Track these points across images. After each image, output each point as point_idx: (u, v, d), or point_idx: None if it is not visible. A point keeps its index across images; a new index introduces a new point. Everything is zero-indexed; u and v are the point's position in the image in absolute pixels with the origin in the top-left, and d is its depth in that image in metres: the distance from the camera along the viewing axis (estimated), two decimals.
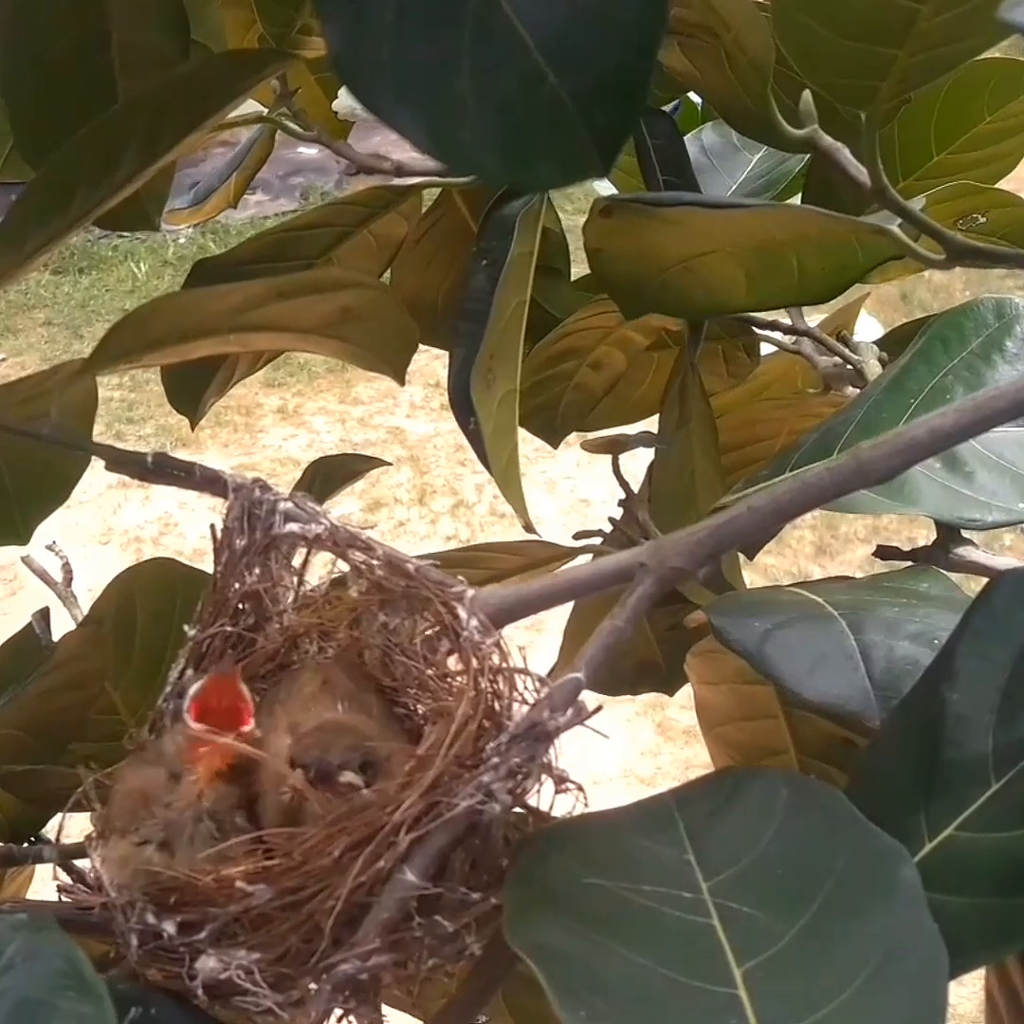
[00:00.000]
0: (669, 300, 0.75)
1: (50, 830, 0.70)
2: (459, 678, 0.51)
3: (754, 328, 0.97)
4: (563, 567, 0.78)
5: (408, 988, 0.48)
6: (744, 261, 0.70)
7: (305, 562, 0.56)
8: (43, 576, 0.88)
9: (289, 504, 0.54)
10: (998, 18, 0.39)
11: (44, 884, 0.56)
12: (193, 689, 0.51)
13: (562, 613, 0.61)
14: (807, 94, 0.66)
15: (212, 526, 0.56)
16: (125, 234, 5.50)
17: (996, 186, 0.89)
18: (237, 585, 0.55)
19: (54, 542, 0.90)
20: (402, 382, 0.68)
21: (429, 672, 0.53)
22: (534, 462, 3.93)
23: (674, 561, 0.50)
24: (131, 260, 5.54)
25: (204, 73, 0.59)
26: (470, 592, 0.52)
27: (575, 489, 4.09)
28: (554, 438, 1.03)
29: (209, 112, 0.56)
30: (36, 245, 0.56)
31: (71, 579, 0.88)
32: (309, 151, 5.74)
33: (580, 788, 0.49)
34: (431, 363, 4.10)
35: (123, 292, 5.35)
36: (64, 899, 0.51)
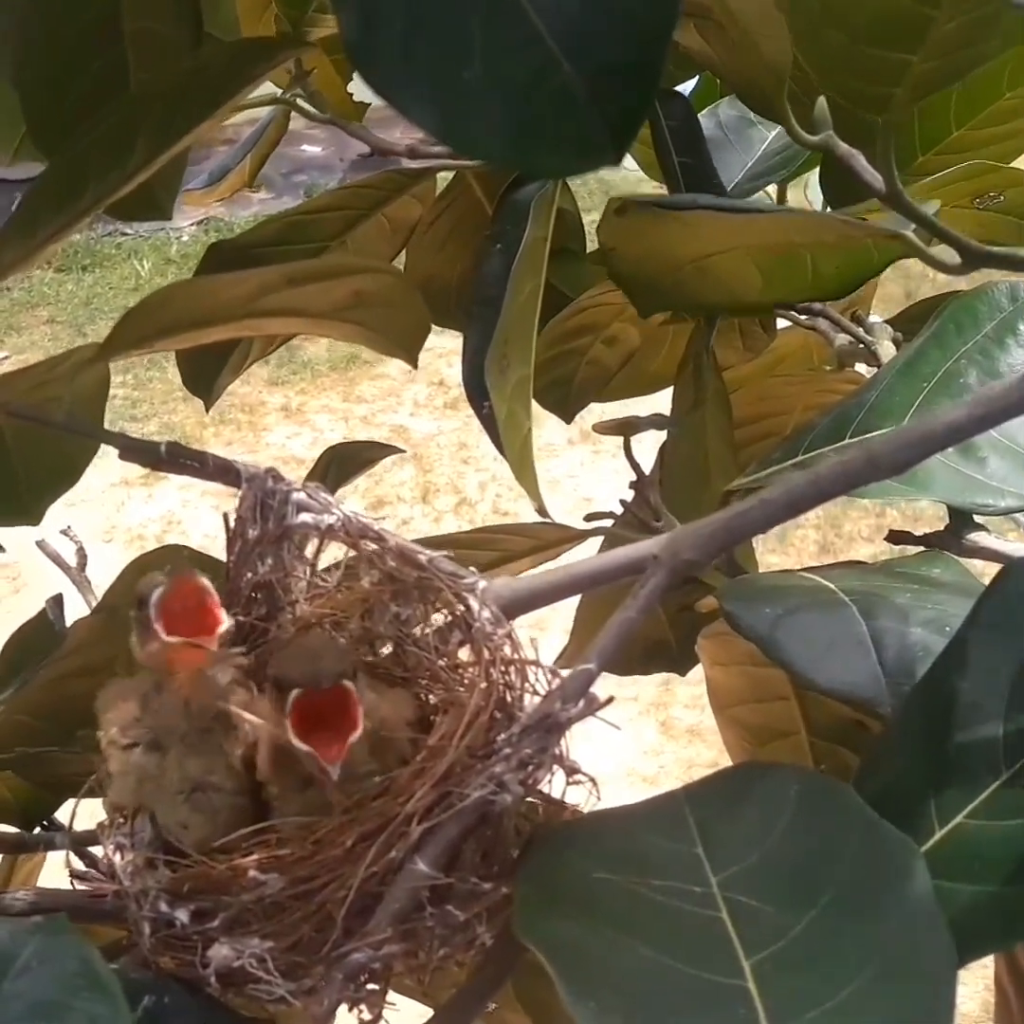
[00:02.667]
0: (684, 298, 0.75)
1: (63, 816, 0.70)
2: (471, 669, 0.51)
3: None
4: (573, 554, 0.78)
5: (419, 977, 0.49)
6: (759, 260, 0.70)
7: (317, 552, 0.56)
8: (57, 560, 0.88)
9: (302, 494, 0.54)
10: (1014, 2, 0.39)
11: (58, 870, 0.56)
12: (155, 596, 0.50)
13: (567, 613, 0.61)
14: (822, 101, 0.65)
15: (225, 515, 0.56)
16: (128, 232, 5.46)
17: (1012, 164, 0.89)
18: (249, 574, 0.55)
19: (68, 526, 0.91)
20: (415, 365, 0.69)
21: (441, 663, 0.53)
22: (538, 460, 3.88)
23: (686, 554, 0.50)
24: (134, 258, 5.47)
25: (218, 60, 0.59)
26: (482, 583, 0.52)
27: (578, 488, 4.03)
28: (567, 413, 1.03)
29: (223, 99, 0.56)
30: (48, 233, 0.56)
31: (85, 564, 0.88)
32: (313, 149, 5.68)
33: (592, 780, 0.49)
34: (435, 361, 4.03)
35: (126, 290, 5.28)
36: (77, 887, 0.52)
